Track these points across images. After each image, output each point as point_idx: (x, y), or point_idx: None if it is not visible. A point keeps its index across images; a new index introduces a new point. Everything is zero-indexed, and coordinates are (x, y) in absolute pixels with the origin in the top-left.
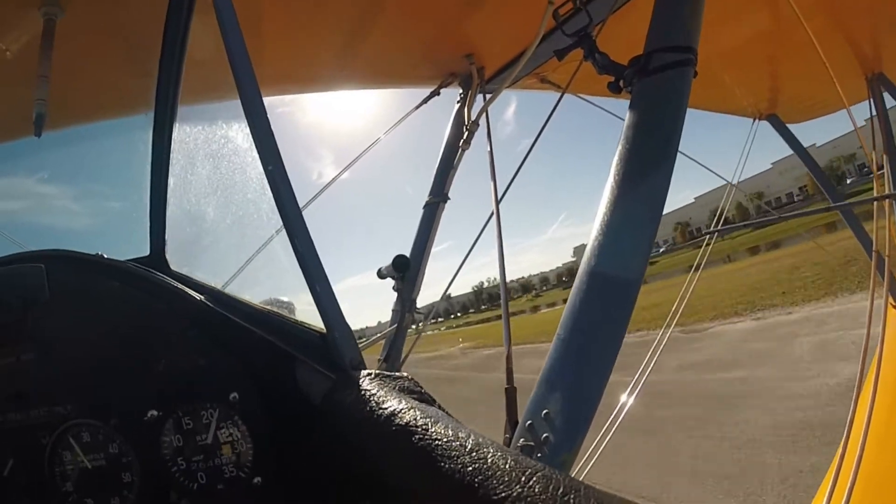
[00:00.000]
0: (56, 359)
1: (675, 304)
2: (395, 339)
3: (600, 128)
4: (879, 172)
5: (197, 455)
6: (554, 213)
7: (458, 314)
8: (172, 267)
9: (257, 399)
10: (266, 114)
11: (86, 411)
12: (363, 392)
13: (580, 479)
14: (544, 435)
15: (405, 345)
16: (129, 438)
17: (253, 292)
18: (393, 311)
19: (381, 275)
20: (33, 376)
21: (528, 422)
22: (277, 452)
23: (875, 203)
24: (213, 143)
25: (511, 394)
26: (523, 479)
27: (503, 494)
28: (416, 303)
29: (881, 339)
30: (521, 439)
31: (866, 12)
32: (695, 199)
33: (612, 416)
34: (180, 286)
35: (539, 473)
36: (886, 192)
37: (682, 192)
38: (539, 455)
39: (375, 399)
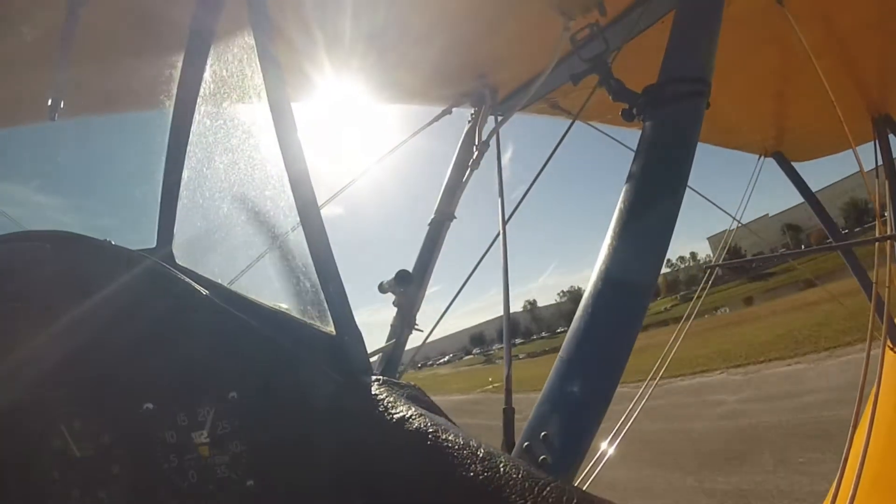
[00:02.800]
0: (54, 340)
1: (669, 344)
2: (393, 354)
3: (590, 178)
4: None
5: (190, 453)
6: (545, 262)
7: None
8: (178, 261)
9: (257, 399)
10: (293, 114)
11: (80, 397)
12: (372, 397)
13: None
14: (542, 457)
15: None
16: (121, 430)
17: (257, 292)
18: (392, 325)
19: (383, 289)
20: (29, 356)
21: (526, 443)
22: (274, 456)
23: (876, 245)
24: (230, 140)
25: (509, 414)
26: (536, 489)
27: None
28: (416, 319)
29: (878, 380)
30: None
31: (875, 53)
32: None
33: (591, 464)
34: (187, 279)
35: (552, 485)
36: (888, 233)
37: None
38: None
39: (384, 405)
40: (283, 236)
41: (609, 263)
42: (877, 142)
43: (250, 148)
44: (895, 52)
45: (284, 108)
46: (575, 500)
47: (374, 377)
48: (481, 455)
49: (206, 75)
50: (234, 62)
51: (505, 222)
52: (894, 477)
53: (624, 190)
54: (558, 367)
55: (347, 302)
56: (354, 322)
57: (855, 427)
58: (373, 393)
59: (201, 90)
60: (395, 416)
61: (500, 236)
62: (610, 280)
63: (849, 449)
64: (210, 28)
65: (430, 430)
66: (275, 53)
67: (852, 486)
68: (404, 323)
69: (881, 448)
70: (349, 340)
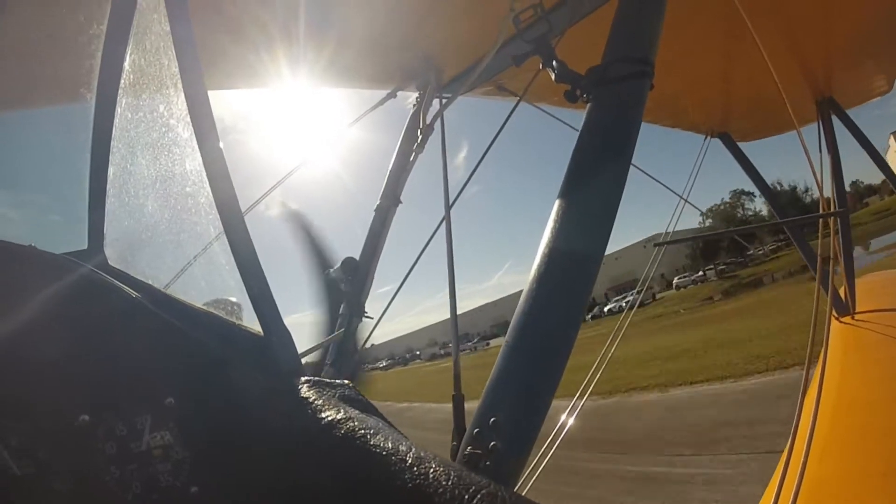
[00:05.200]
0: None
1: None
2: (343, 344)
3: (544, 177)
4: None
5: (131, 463)
6: (499, 262)
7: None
8: (111, 262)
9: (194, 405)
10: (211, 109)
11: (14, 413)
12: (300, 400)
13: (526, 489)
14: (492, 443)
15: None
16: (59, 444)
17: (198, 291)
18: (341, 314)
19: (330, 277)
20: None
21: (476, 429)
22: (215, 461)
23: (820, 221)
24: (157, 135)
25: (458, 401)
26: (466, 497)
27: None
28: (364, 307)
29: (824, 349)
30: (469, 447)
31: (821, 37)
32: None
33: (553, 435)
34: (116, 283)
35: (484, 491)
36: (832, 210)
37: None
38: (487, 464)
39: (312, 408)
40: (216, 233)
41: (553, 245)
42: (820, 123)
43: (176, 144)
44: (840, 36)
45: (202, 104)
46: None
47: (304, 378)
48: (410, 461)
49: (126, 64)
50: (154, 52)
51: (449, 206)
52: (844, 437)
53: (567, 170)
54: (505, 352)
55: (273, 300)
56: (282, 321)
57: (804, 392)
58: (302, 396)
59: (122, 81)
60: (322, 420)
61: (445, 221)
62: (554, 262)
63: (800, 413)
64: (129, 15)
65: (359, 434)
66: (193, 41)
67: (805, 447)
68: (353, 311)
69: (830, 410)
70: (277, 340)
